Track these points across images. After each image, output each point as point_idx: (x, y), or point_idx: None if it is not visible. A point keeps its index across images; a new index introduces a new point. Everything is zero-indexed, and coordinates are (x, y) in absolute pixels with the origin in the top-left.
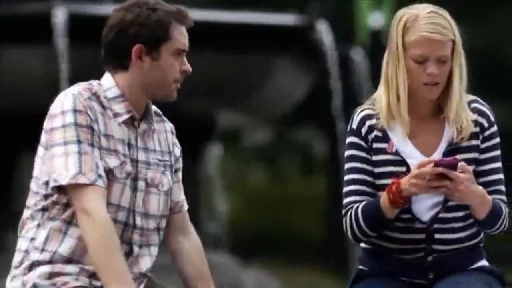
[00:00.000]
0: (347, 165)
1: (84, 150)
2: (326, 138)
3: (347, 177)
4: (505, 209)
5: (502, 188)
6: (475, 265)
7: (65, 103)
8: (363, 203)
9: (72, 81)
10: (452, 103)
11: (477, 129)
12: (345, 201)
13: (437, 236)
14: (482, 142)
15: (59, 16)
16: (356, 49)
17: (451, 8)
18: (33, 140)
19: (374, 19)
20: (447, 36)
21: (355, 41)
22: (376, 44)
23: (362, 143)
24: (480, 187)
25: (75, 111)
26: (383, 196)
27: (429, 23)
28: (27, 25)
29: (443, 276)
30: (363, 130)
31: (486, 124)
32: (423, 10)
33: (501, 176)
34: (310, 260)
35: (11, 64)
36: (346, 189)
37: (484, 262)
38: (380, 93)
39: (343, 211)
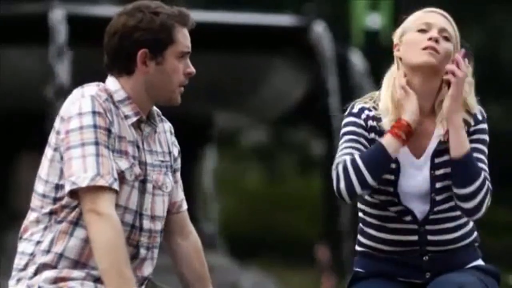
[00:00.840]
0: (343, 139)
1: (102, 152)
2: (323, 139)
3: (342, 146)
4: (487, 186)
5: (488, 176)
6: (471, 264)
7: (83, 104)
8: (358, 153)
9: (70, 82)
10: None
11: (465, 128)
12: (337, 160)
13: (430, 237)
14: (469, 136)
15: (57, 17)
16: (353, 50)
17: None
18: (30, 140)
19: (371, 21)
20: (449, 21)
21: (352, 42)
22: (373, 45)
23: (362, 122)
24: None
25: (94, 112)
26: (385, 136)
27: (432, 8)
28: (25, 25)
29: (440, 275)
30: (363, 116)
31: (472, 122)
32: (426, 8)
33: (485, 167)
34: (308, 261)
35: (8, 64)
36: (340, 153)
37: (480, 262)
38: (382, 94)
39: (334, 166)
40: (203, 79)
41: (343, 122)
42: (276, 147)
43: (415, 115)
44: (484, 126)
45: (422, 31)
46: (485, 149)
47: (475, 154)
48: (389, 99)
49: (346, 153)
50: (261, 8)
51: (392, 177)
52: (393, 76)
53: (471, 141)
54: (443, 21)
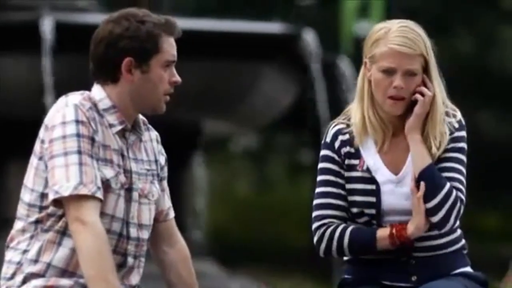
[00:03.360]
0: (320, 177)
1: (85, 161)
2: (312, 147)
3: (319, 190)
4: (454, 196)
5: (459, 186)
6: (459, 270)
7: (67, 113)
8: (352, 227)
9: (59, 90)
10: (428, 120)
11: (441, 143)
12: (317, 213)
13: (416, 244)
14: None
15: (46, 25)
16: (342, 58)
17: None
18: (20, 148)
19: (361, 28)
20: (415, 50)
21: (342, 49)
22: (363, 53)
23: (335, 156)
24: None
25: (77, 121)
26: (382, 230)
27: (398, 36)
28: (14, 33)
29: (426, 280)
30: (336, 144)
31: (448, 132)
32: (396, 24)
33: (459, 176)
34: (296, 268)
35: None
36: (318, 201)
37: (467, 268)
38: (354, 107)
39: (316, 224)
40: (192, 87)
41: (320, 154)
42: (266, 155)
43: (420, 232)
44: (461, 134)
45: (386, 72)
46: (462, 156)
47: (449, 164)
48: (361, 118)
49: (324, 204)
50: (250, 16)
51: (374, 199)
52: (363, 91)
53: (447, 151)
54: (406, 59)
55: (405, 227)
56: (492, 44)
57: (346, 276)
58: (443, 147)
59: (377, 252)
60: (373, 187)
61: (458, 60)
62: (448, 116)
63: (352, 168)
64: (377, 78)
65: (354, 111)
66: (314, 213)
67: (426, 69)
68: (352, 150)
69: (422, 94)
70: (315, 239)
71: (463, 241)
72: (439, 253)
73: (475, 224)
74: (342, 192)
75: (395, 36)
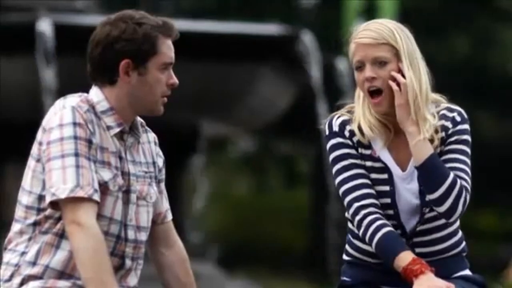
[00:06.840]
0: (340, 164)
1: (82, 164)
2: (310, 149)
3: (346, 175)
4: (459, 185)
5: (463, 175)
6: (458, 274)
7: (64, 116)
8: (386, 230)
9: (57, 92)
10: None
11: (443, 134)
12: (354, 195)
13: (417, 250)
14: (447, 140)
15: (44, 26)
16: (341, 59)
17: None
18: (18, 150)
19: None
20: (378, 39)
21: (341, 50)
22: None
23: (349, 142)
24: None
25: (74, 124)
26: (407, 255)
27: (361, 31)
28: (12, 35)
29: None
30: (346, 134)
31: (450, 126)
32: (367, 22)
33: (462, 166)
34: (294, 270)
35: None
36: (349, 185)
37: (467, 271)
38: (357, 110)
39: (356, 204)
40: (190, 89)
41: (330, 144)
42: (264, 158)
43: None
44: (464, 126)
45: (359, 68)
46: (466, 148)
47: (452, 155)
48: (362, 121)
49: (356, 186)
50: (248, 18)
51: (387, 188)
52: (359, 95)
53: (450, 143)
54: (371, 49)
55: (424, 272)
56: (490, 45)
57: (345, 278)
58: (430, 132)
59: (378, 256)
60: (385, 176)
61: (455, 60)
62: (445, 114)
63: (365, 157)
64: (356, 79)
65: (356, 113)
66: (350, 197)
67: (399, 59)
68: (362, 139)
69: (398, 84)
70: (358, 218)
71: (463, 244)
72: (439, 257)
73: (473, 224)
74: (366, 172)
75: (359, 32)
